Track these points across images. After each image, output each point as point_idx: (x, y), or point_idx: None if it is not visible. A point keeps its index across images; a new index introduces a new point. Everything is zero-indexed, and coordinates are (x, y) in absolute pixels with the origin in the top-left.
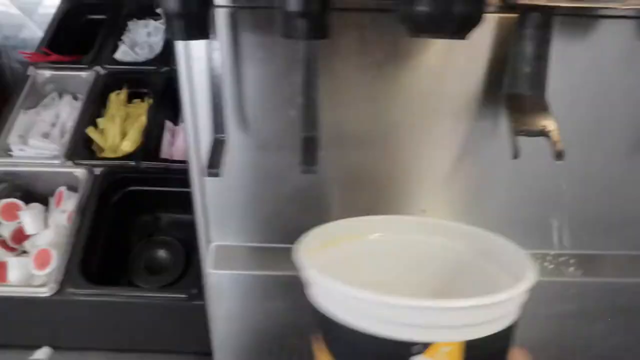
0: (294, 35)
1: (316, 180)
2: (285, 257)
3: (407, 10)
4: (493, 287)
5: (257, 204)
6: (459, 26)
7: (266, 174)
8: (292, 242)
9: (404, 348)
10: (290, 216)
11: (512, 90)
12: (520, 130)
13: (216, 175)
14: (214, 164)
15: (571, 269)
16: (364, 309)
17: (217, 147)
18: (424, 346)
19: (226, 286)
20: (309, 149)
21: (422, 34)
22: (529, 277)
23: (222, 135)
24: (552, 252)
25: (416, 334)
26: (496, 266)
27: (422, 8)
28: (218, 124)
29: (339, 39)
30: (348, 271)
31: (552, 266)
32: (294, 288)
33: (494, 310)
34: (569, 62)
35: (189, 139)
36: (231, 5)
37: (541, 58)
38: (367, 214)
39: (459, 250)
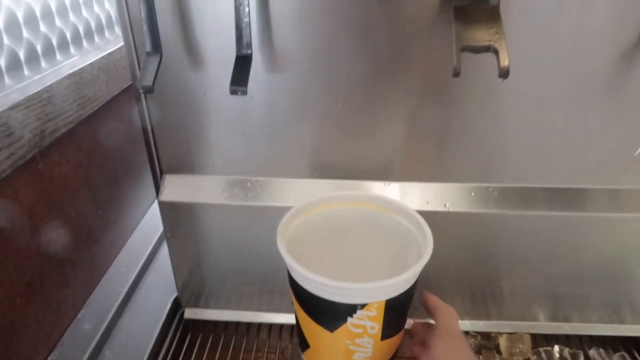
0: None
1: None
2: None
3: None
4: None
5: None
6: None
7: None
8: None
9: (351, 307)
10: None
11: (460, 2)
12: (463, 47)
13: (149, 90)
14: (146, 78)
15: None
16: (319, 286)
17: (150, 64)
18: (362, 305)
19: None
20: (240, 69)
21: None
22: (427, 254)
23: (157, 51)
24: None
25: (357, 299)
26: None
27: None
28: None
29: None
30: (318, 234)
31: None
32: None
33: (403, 282)
34: None
35: (129, 57)
36: None
37: None
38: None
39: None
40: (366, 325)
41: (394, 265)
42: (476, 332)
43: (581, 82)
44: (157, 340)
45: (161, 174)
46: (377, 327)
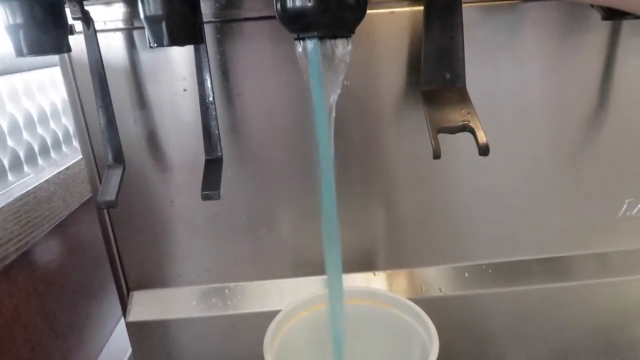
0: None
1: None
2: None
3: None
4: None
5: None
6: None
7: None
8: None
9: None
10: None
11: (428, 87)
12: (439, 128)
13: (111, 205)
14: (108, 193)
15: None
16: None
17: (112, 177)
18: None
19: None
20: (211, 173)
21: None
22: (434, 351)
23: (119, 163)
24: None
25: None
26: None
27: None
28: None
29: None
30: (309, 340)
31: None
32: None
33: None
34: (490, 52)
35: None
36: None
37: (453, 48)
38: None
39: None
40: None
41: None
42: None
43: (555, 151)
44: None
45: (128, 291)
46: None
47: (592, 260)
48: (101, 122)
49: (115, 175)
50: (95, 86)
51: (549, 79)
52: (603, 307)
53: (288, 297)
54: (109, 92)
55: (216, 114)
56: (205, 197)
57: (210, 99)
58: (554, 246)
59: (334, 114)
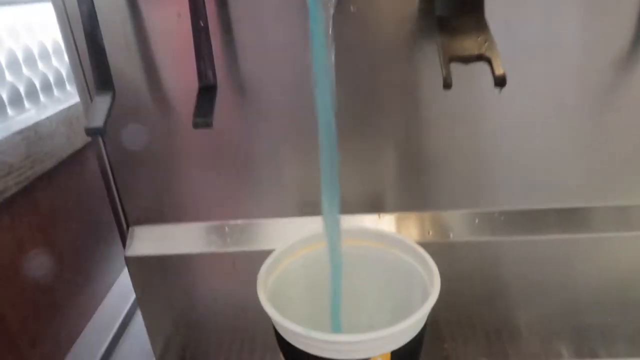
0: None
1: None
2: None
3: None
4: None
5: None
6: None
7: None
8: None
9: None
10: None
11: (443, 12)
12: (452, 57)
13: (98, 132)
14: (95, 119)
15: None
16: (309, 341)
17: (100, 103)
18: None
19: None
20: (203, 101)
21: None
22: (435, 292)
23: (107, 90)
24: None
25: (356, 354)
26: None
27: None
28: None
29: None
30: (306, 279)
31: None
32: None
33: (410, 327)
34: None
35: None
36: None
37: None
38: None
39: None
40: None
41: (397, 309)
42: None
43: (580, 93)
44: None
45: (127, 226)
46: None
47: (612, 214)
48: (87, 45)
49: (103, 102)
50: (80, 8)
51: (581, 14)
52: (620, 263)
53: (289, 236)
54: (95, 15)
55: (209, 39)
56: (196, 125)
57: (202, 23)
58: (572, 197)
59: (331, 29)
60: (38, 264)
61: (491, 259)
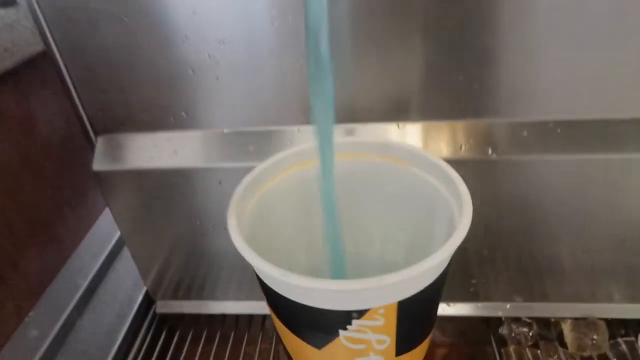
0: None
1: None
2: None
3: None
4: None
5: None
6: None
7: None
8: None
9: (342, 315)
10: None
11: None
12: None
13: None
14: None
15: None
16: (290, 287)
17: None
18: (360, 313)
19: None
20: None
21: None
22: (464, 225)
23: None
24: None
25: (350, 304)
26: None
27: None
28: None
29: None
30: (298, 203)
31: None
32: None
33: (427, 271)
34: None
35: None
36: None
37: None
38: None
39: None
40: (370, 340)
41: (414, 243)
42: (530, 319)
43: None
44: (124, 342)
45: (95, 135)
46: (387, 340)
47: None
48: None
49: None
50: None
51: None
52: None
53: (278, 150)
54: None
55: None
56: None
57: None
58: None
59: None
60: (21, 180)
61: (539, 182)
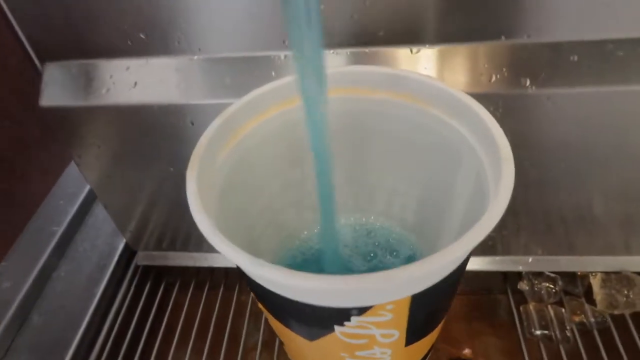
0: None
1: None
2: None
3: None
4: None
5: None
6: None
7: None
8: None
9: (339, 313)
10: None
11: None
12: None
13: None
14: None
15: None
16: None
17: None
18: (361, 310)
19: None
20: None
21: None
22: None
23: None
24: None
25: (351, 302)
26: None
27: None
28: None
29: None
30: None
31: None
32: None
33: (449, 262)
34: None
35: None
36: None
37: None
38: None
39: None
40: (374, 335)
41: (427, 199)
42: (555, 273)
43: None
44: (104, 295)
45: (41, 63)
46: (396, 334)
47: None
48: None
49: None
50: None
51: None
52: None
53: (261, 83)
54: None
55: None
56: None
57: None
58: None
59: None
60: None
61: (586, 122)
